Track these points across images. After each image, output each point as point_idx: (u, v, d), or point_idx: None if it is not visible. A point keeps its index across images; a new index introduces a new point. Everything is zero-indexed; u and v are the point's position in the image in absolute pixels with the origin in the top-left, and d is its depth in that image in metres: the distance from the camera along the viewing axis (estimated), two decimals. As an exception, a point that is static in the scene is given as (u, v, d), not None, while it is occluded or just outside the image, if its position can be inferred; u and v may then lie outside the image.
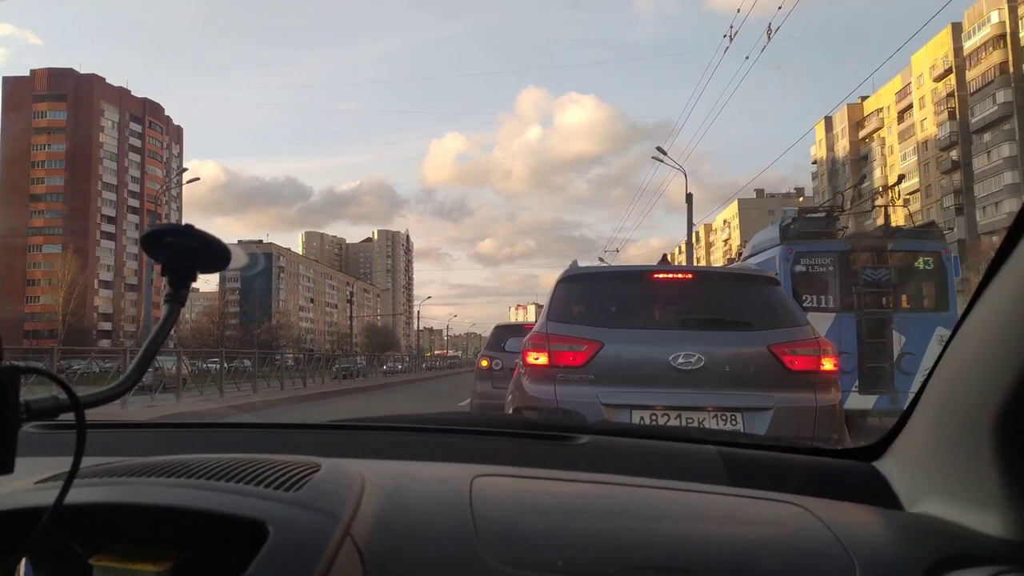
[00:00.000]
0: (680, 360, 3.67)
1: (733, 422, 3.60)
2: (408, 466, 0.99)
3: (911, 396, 0.99)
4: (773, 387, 3.65)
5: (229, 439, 1.31)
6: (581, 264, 4.74)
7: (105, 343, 74.05)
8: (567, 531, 0.80)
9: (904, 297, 9.84)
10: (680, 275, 4.46)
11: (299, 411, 15.64)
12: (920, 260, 9.72)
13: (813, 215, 11.24)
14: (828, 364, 3.79)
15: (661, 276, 4.34)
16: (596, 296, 4.26)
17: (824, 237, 10.16)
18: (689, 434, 1.34)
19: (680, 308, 4.09)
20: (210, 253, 0.74)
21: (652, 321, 4.12)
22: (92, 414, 0.64)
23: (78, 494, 0.70)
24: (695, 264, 42.65)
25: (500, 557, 0.73)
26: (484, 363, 9.47)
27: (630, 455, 1.19)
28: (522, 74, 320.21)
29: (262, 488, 0.75)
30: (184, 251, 0.73)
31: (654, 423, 3.62)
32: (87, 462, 0.68)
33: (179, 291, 0.75)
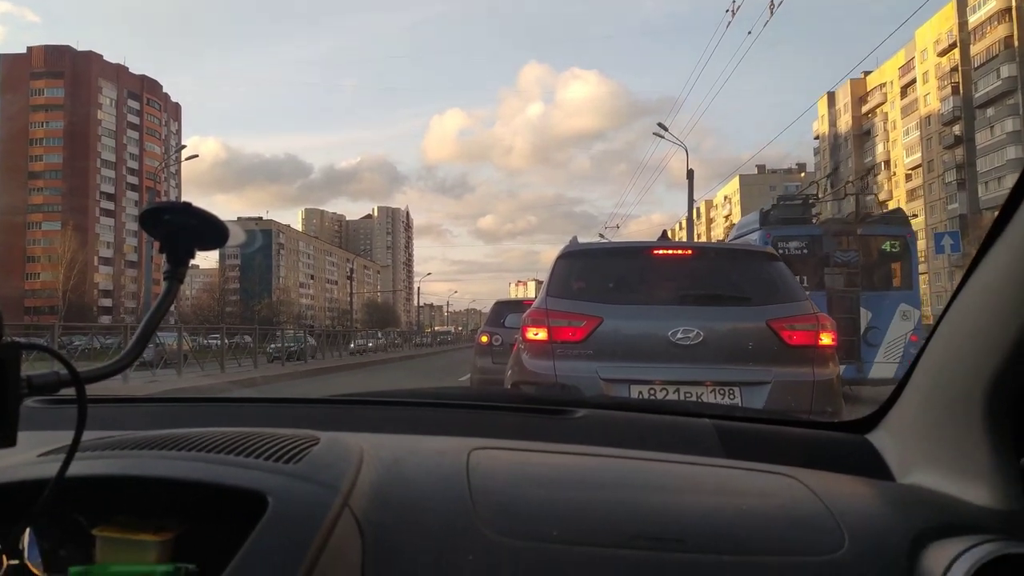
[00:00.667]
0: (679, 335, 3.69)
1: (731, 396, 3.62)
2: (406, 440, 1.01)
3: (875, 366, 1.05)
4: (771, 361, 3.67)
5: (229, 413, 1.31)
6: (581, 240, 4.74)
7: (106, 319, 74.21)
8: (562, 502, 0.81)
9: (871, 277, 10.74)
10: (679, 251, 4.47)
11: (300, 386, 15.71)
12: (887, 244, 10.85)
13: (791, 202, 12.39)
14: (826, 339, 3.81)
15: (660, 252, 4.36)
16: (595, 272, 4.27)
17: (800, 223, 11.24)
18: (685, 408, 1.36)
19: (679, 284, 4.10)
20: (208, 230, 0.74)
21: (651, 296, 4.12)
22: (93, 389, 0.64)
23: (80, 466, 0.71)
24: (696, 240, 42.78)
25: (496, 528, 0.74)
26: (484, 339, 9.53)
27: (626, 428, 1.20)
28: (524, 50, 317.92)
29: (261, 460, 0.76)
30: (183, 228, 0.73)
31: (652, 398, 3.62)
32: (88, 436, 0.69)
33: (178, 268, 0.75)
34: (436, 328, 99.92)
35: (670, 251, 4.44)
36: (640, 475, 0.93)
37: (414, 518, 0.74)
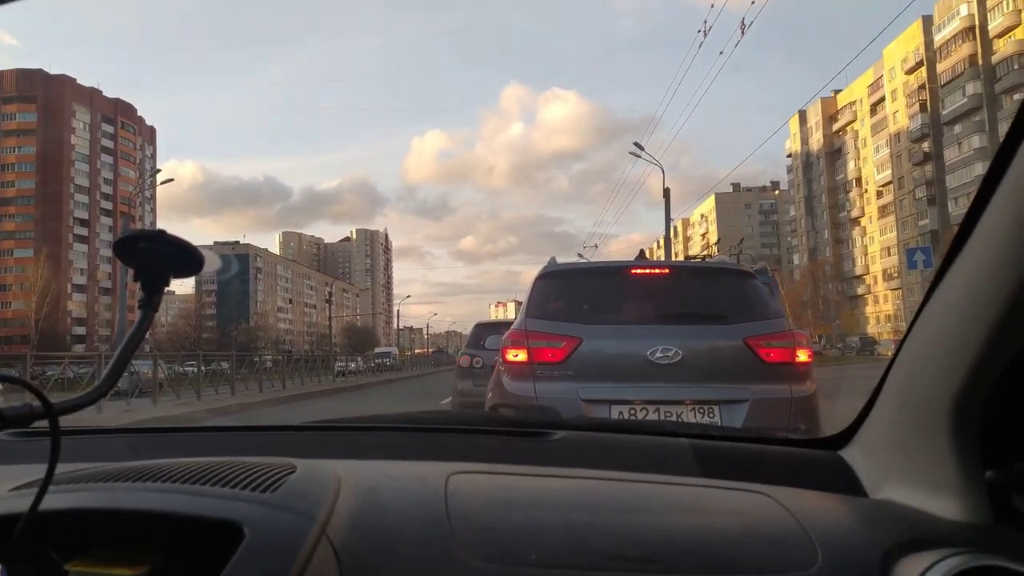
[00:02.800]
0: (658, 354, 3.69)
1: (711, 415, 3.63)
2: (385, 465, 1.00)
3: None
4: (749, 379, 3.69)
5: (205, 443, 1.30)
6: (560, 260, 4.73)
7: (79, 348, 72.95)
8: (540, 525, 0.81)
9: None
10: (657, 270, 4.53)
11: (277, 413, 15.50)
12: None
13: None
14: (802, 356, 3.84)
15: (638, 271, 4.40)
16: (574, 292, 4.27)
17: None
18: (662, 428, 1.37)
19: (657, 303, 4.12)
20: (183, 258, 0.73)
21: (630, 316, 4.12)
22: (67, 420, 0.64)
23: (53, 500, 0.70)
24: (673, 259, 43.38)
25: (474, 552, 0.74)
26: (465, 361, 9.45)
27: (604, 450, 1.20)
28: (505, 70, 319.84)
29: (237, 490, 0.75)
30: (157, 256, 0.72)
31: (632, 418, 3.63)
32: (63, 469, 0.68)
33: (152, 297, 0.74)
34: (418, 351, 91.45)
35: (647, 270, 4.49)
36: (618, 496, 0.93)
37: (392, 545, 0.74)
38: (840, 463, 1.09)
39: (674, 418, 3.63)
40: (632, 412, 3.65)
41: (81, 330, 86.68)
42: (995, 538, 0.79)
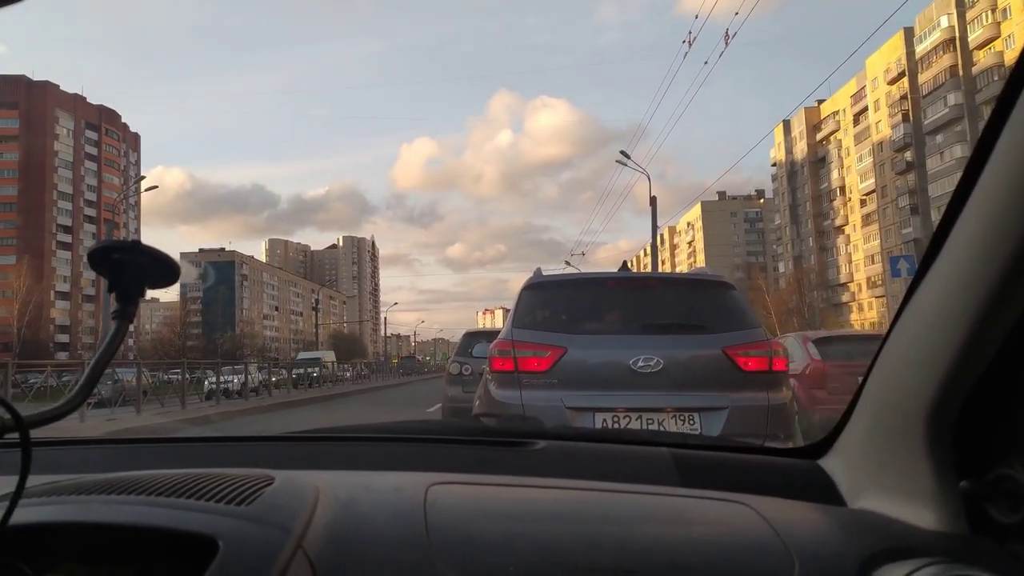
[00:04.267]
0: (640, 363, 3.79)
1: (691, 422, 3.73)
2: (364, 476, 0.99)
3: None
4: (728, 387, 3.81)
5: (184, 454, 1.28)
6: (546, 269, 4.83)
7: (62, 356, 72.24)
8: (519, 536, 0.81)
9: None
10: (639, 281, 4.72)
11: (259, 423, 15.38)
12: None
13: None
14: (779, 364, 3.97)
15: (621, 282, 4.56)
16: (559, 302, 4.39)
17: None
18: (643, 437, 1.37)
19: (639, 313, 4.23)
20: (158, 269, 0.73)
21: (613, 326, 4.23)
22: (45, 431, 0.63)
23: (25, 514, 0.69)
24: (660, 267, 43.60)
25: (452, 564, 0.74)
26: (454, 368, 9.81)
27: (585, 459, 1.19)
28: (494, 78, 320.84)
29: (212, 503, 0.74)
30: (132, 267, 0.71)
31: (616, 425, 3.73)
32: (36, 480, 0.68)
33: (127, 308, 0.73)
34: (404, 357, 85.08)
35: (630, 281, 4.63)
36: (597, 507, 0.93)
37: (370, 558, 0.73)
38: (818, 472, 1.09)
39: (655, 426, 3.72)
40: (616, 420, 3.74)
41: (64, 338, 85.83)
42: (971, 548, 0.79)
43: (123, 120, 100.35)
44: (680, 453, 1.18)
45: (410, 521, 0.81)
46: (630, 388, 3.78)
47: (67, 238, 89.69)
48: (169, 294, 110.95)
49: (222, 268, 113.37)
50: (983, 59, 61.29)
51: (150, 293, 0.76)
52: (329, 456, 1.21)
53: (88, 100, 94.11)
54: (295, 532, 0.71)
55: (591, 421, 3.74)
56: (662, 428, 3.71)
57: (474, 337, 10.11)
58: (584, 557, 0.77)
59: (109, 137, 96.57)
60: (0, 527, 0.61)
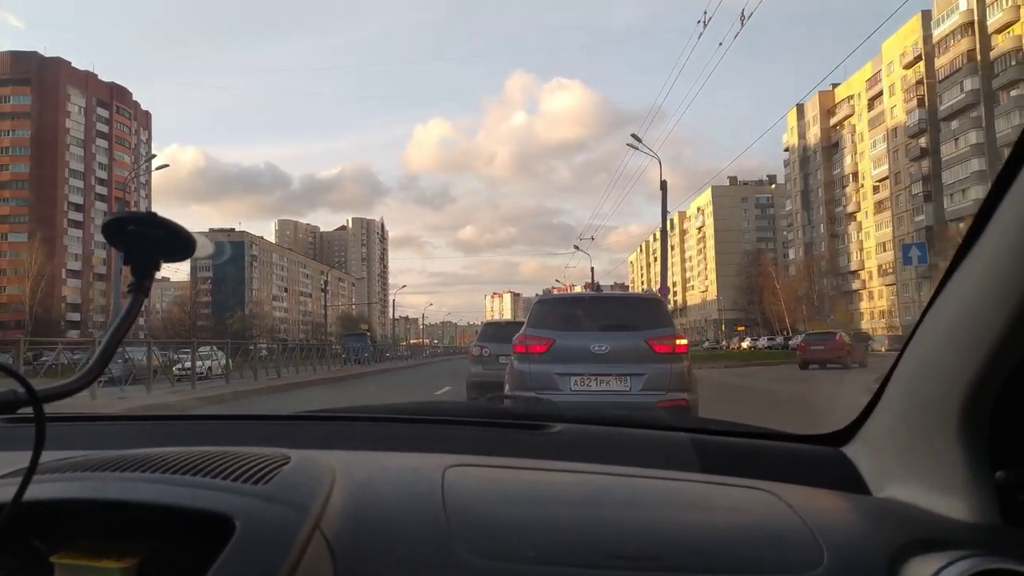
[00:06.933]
0: (596, 348, 6.21)
1: (624, 381, 6.09)
2: (381, 457, 1.00)
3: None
4: (646, 361, 6.15)
5: (198, 431, 1.27)
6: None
7: (74, 334, 72.76)
8: (539, 520, 0.80)
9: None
10: (601, 299, 8.12)
11: (271, 402, 15.47)
12: None
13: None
14: (681, 348, 6.33)
15: (591, 299, 7.92)
16: (554, 311, 7.06)
17: None
18: (662, 421, 1.35)
19: (599, 319, 6.67)
20: (174, 241, 0.72)
21: (583, 326, 6.65)
22: (58, 407, 0.62)
23: (39, 490, 0.69)
24: (669, 252, 45.29)
25: (471, 548, 0.73)
26: (476, 351, 12.24)
27: (603, 443, 1.18)
28: (510, 58, 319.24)
29: (229, 482, 0.74)
30: (147, 240, 0.71)
31: (586, 387, 6.06)
32: (51, 456, 0.67)
33: (143, 281, 0.73)
34: (413, 342, 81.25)
35: (596, 299, 7.90)
36: (617, 491, 0.92)
37: (387, 539, 0.73)
38: (843, 460, 1.08)
39: (605, 385, 6.09)
40: (583, 380, 6.12)
41: (76, 316, 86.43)
42: (1005, 540, 0.77)
43: (134, 98, 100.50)
44: (699, 438, 1.18)
45: (428, 502, 0.80)
46: (591, 362, 6.15)
47: (78, 216, 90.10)
48: (179, 273, 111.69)
49: (233, 248, 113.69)
50: (1002, 43, 60.36)
51: (160, 272, 0.75)
52: (345, 436, 1.19)
53: (99, 77, 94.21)
54: (312, 512, 0.70)
55: (568, 382, 6.10)
56: (608, 387, 6.06)
57: (491, 327, 13.31)
58: (607, 542, 0.77)
59: (120, 115, 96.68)
60: (13, 503, 0.61)
